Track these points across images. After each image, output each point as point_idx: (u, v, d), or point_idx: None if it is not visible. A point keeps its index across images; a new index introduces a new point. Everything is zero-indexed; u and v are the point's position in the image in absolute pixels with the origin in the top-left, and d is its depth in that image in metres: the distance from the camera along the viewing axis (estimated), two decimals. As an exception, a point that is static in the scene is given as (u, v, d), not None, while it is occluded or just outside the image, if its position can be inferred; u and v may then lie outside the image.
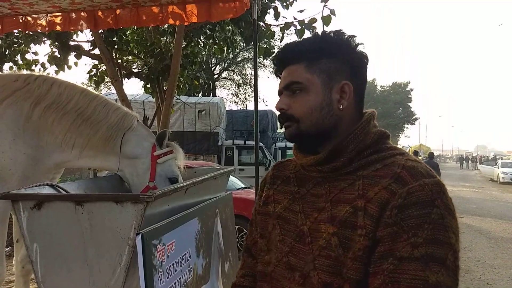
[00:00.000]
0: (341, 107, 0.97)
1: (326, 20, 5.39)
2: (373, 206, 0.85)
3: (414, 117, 43.82)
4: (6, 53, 6.01)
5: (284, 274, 0.96)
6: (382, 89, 45.46)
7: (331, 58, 0.98)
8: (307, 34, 5.65)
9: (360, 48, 1.00)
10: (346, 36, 0.99)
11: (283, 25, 5.68)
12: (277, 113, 1.06)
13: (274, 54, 1.11)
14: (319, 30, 5.68)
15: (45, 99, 2.47)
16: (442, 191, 0.85)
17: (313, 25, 5.71)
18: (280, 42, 6.67)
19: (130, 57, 7.23)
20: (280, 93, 1.03)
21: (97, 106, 2.54)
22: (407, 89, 43.92)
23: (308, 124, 0.97)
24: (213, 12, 3.61)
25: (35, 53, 6.41)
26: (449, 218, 0.82)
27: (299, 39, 1.09)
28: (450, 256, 0.79)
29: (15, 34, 5.79)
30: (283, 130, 1.06)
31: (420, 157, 16.25)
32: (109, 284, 1.63)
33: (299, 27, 5.62)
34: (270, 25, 6.04)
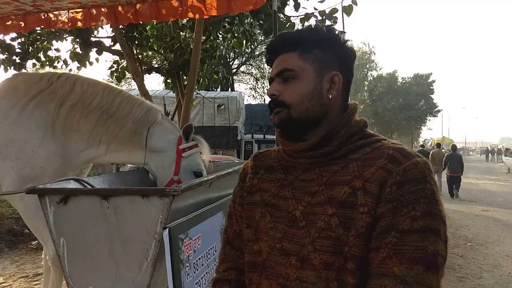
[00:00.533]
0: (330, 96, 1.01)
1: (348, 10, 5.27)
2: (373, 185, 0.90)
3: (436, 109, 42.76)
4: (30, 50, 6.10)
5: (279, 260, 0.96)
6: (404, 81, 44.51)
7: (323, 50, 1.02)
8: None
9: (348, 44, 1.05)
10: (337, 32, 1.04)
11: (303, 16, 5.58)
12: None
13: (270, 42, 1.12)
14: (340, 21, 5.58)
15: (69, 98, 2.50)
16: (430, 169, 0.92)
17: (334, 15, 5.60)
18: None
19: (150, 53, 7.26)
20: (271, 80, 1.06)
21: (122, 102, 2.55)
22: (429, 80, 42.89)
23: (299, 111, 1.00)
24: (233, 5, 3.55)
25: (57, 50, 6.49)
26: (438, 193, 0.90)
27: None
28: (442, 227, 0.87)
29: (38, 31, 5.86)
30: None
31: (443, 150, 15.84)
32: (135, 278, 1.62)
33: (319, 18, 5.51)
34: (290, 16, 5.95)
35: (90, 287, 1.66)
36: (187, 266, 1.56)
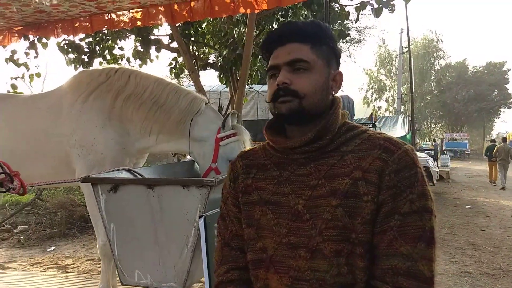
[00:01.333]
0: (333, 93, 1.07)
1: (406, -3, 5.03)
2: (372, 174, 0.96)
3: (511, 100, 39.52)
4: (96, 49, 6.54)
5: (288, 254, 0.99)
6: (475, 70, 41.61)
7: (328, 46, 1.06)
8: (385, 13, 5.35)
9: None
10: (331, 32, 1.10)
11: (359, 4, 5.42)
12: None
13: (275, 29, 1.12)
14: (398, 8, 5.35)
15: (124, 90, 2.70)
16: (416, 153, 1.01)
17: (391, 2, 5.38)
18: (355, 23, 6.40)
19: (206, 49, 7.46)
20: (276, 67, 1.05)
21: (170, 93, 2.68)
22: (503, 69, 39.68)
23: (311, 102, 1.02)
24: (284, -3, 3.56)
25: (121, 48, 6.88)
26: (424, 175, 0.98)
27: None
28: (432, 204, 0.96)
29: (103, 31, 6.27)
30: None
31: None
32: (177, 264, 1.71)
33: (376, 6, 5.32)
34: (345, 5, 5.80)
35: (136, 271, 1.79)
36: (223, 254, 1.62)
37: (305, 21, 1.08)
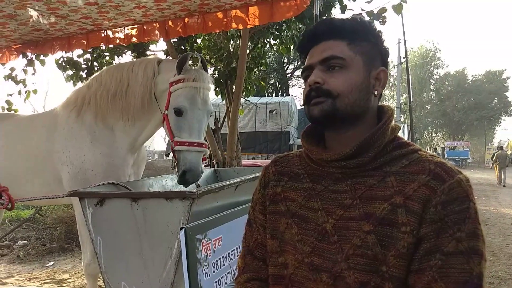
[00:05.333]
0: (375, 92, 0.97)
1: (398, 9, 5.10)
2: (415, 203, 0.85)
3: (511, 107, 39.60)
4: (94, 65, 6.64)
5: (308, 275, 0.92)
6: (474, 78, 41.84)
7: (369, 43, 0.98)
8: (377, 26, 5.43)
9: (385, 41, 1.02)
10: (378, 28, 1.01)
11: (350, 18, 5.51)
12: None
13: (310, 28, 1.03)
14: (395, 19, 5.44)
15: (99, 91, 2.71)
16: (471, 185, 0.89)
17: (383, 15, 5.47)
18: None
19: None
20: (310, 67, 0.98)
21: (128, 70, 2.65)
22: (502, 77, 39.88)
23: (346, 102, 0.93)
24: (275, 13, 3.64)
25: (119, 64, 7.00)
26: (478, 212, 0.86)
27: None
28: (484, 247, 0.84)
29: (101, 47, 6.37)
30: None
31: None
32: (161, 276, 1.74)
33: (367, 19, 5.42)
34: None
35: (122, 283, 1.82)
36: (205, 265, 1.65)
37: (343, 18, 1.00)
